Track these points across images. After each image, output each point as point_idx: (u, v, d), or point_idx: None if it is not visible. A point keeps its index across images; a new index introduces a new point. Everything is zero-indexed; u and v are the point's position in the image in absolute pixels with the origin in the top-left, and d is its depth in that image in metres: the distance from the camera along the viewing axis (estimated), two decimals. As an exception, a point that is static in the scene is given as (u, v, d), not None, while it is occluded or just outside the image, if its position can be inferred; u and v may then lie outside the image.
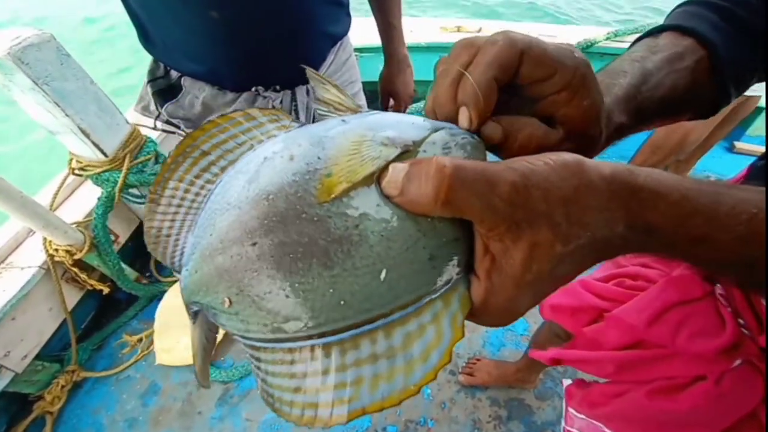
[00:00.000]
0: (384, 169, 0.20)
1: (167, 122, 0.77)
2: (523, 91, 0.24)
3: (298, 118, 0.76)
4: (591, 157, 0.24)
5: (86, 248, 1.23)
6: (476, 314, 0.21)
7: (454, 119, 0.23)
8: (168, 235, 0.25)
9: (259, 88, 0.72)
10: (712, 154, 2.07)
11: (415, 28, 1.99)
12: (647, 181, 0.19)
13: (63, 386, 1.30)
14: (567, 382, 0.66)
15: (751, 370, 0.42)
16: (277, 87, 0.73)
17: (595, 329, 0.59)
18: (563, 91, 0.23)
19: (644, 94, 0.29)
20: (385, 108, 1.08)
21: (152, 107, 0.77)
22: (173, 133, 0.80)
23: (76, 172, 1.26)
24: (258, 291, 0.20)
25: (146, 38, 0.70)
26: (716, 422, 0.44)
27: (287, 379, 0.21)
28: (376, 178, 0.20)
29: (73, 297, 1.36)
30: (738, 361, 0.43)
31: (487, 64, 0.22)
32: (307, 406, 0.20)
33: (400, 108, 1.08)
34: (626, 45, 1.97)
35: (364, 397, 0.19)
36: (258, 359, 0.22)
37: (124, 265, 1.38)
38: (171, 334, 1.33)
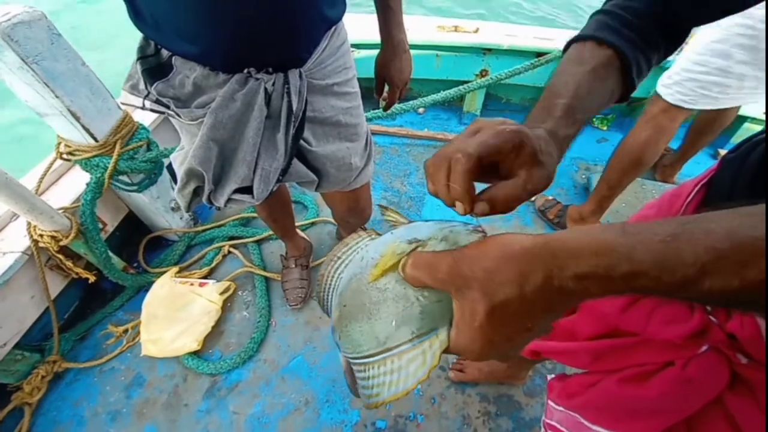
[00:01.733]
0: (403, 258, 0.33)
1: (156, 101, 0.74)
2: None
3: (290, 101, 0.74)
4: (555, 168, 0.34)
5: (73, 235, 1.20)
6: (452, 350, 0.30)
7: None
8: (323, 297, 0.42)
9: (251, 69, 0.70)
10: (697, 160, 2.13)
11: (413, 27, 2.00)
12: (570, 244, 0.24)
13: (43, 377, 1.26)
14: (551, 377, 0.67)
15: (716, 356, 0.43)
16: (270, 69, 0.72)
17: (571, 320, 0.60)
18: (522, 164, 0.33)
19: (580, 105, 0.39)
20: (379, 94, 1.04)
21: (141, 86, 0.74)
22: (162, 113, 0.77)
23: (64, 156, 1.23)
24: (346, 331, 0.35)
25: (136, 13, 0.67)
26: (684, 407, 0.45)
27: (363, 381, 0.35)
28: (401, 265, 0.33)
29: (56, 285, 1.33)
30: (705, 347, 0.44)
31: (461, 173, 0.31)
32: (366, 396, 0.34)
33: (395, 94, 1.03)
34: None
35: (385, 394, 0.31)
36: (360, 370, 0.36)
37: (111, 254, 1.35)
38: (158, 326, 1.30)
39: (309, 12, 0.69)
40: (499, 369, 1.26)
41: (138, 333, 1.35)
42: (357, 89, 0.91)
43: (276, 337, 1.39)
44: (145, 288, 1.45)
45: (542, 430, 0.68)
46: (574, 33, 0.46)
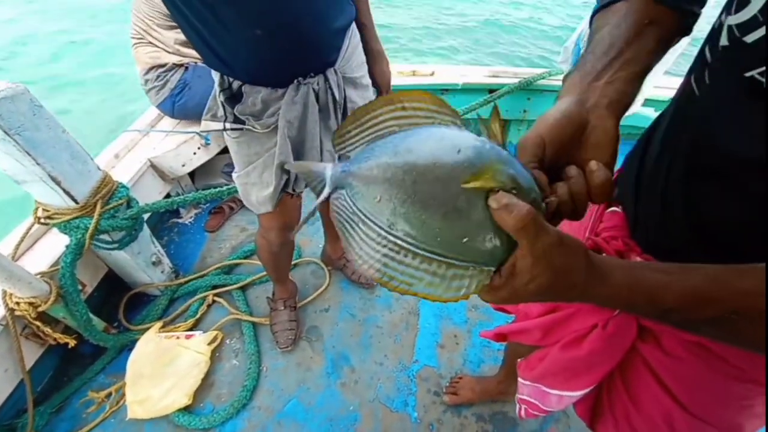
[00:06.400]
0: (499, 189, 0.31)
1: (235, 121, 0.94)
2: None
3: (333, 93, 0.96)
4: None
5: (52, 299, 1.17)
6: (488, 293, 0.33)
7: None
8: (351, 138, 0.37)
9: (299, 78, 0.90)
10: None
11: (375, 73, 2.17)
12: (602, 268, 0.32)
13: (17, 458, 1.18)
14: (520, 360, 0.76)
15: (627, 316, 0.55)
16: (312, 74, 0.91)
17: (526, 304, 0.71)
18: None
19: (616, 68, 0.38)
20: None
21: (220, 113, 0.95)
22: (241, 129, 0.96)
23: (42, 221, 1.23)
24: (397, 203, 0.32)
25: (216, 60, 0.87)
26: (610, 359, 0.57)
27: (381, 255, 0.33)
28: (492, 190, 0.31)
29: (32, 355, 1.27)
30: (617, 310, 0.56)
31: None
32: (402, 281, 0.32)
33: (381, 95, 1.21)
34: (556, 82, 2.21)
35: (418, 289, 0.32)
36: (393, 249, 0.33)
37: (91, 315, 1.32)
38: (145, 384, 1.26)
39: (330, 26, 0.89)
40: (491, 387, 1.30)
41: (122, 396, 1.30)
42: (369, 81, 1.12)
43: (268, 382, 1.38)
44: (128, 347, 1.41)
45: (516, 405, 0.75)
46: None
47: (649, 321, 0.53)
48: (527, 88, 2.13)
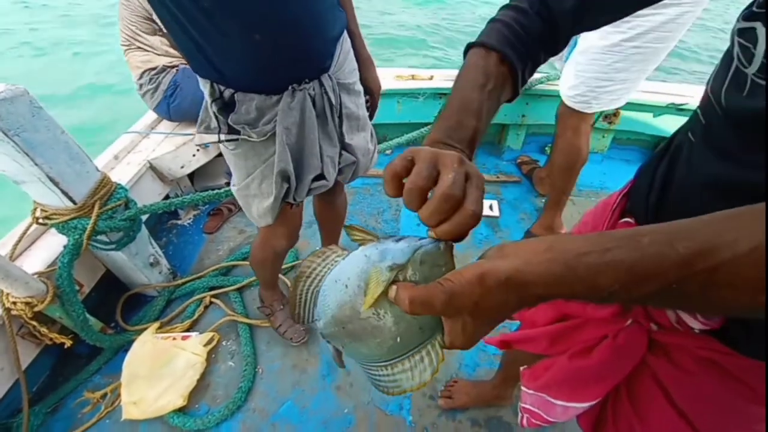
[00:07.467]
0: (390, 286, 0.36)
1: (229, 131, 0.92)
2: None
3: (329, 98, 0.95)
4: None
5: (49, 299, 1.18)
6: (447, 348, 0.38)
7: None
8: (302, 311, 0.47)
9: (294, 85, 0.89)
10: (628, 169, 2.37)
11: (375, 77, 2.18)
12: (531, 277, 0.30)
13: (12, 457, 1.18)
14: (523, 367, 0.75)
15: (638, 328, 0.54)
16: (307, 80, 0.91)
17: (531, 311, 0.69)
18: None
19: (482, 129, 0.46)
20: None
21: (213, 124, 0.92)
22: (236, 139, 0.94)
23: (41, 221, 1.23)
24: (351, 347, 0.42)
25: (209, 69, 0.85)
26: (619, 371, 0.56)
27: (377, 377, 0.43)
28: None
29: (28, 354, 1.28)
30: (629, 321, 0.55)
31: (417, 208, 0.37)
32: (393, 386, 0.41)
33: (375, 101, 1.23)
34: (553, 87, 2.22)
35: (406, 385, 0.40)
36: (365, 367, 0.45)
37: (88, 316, 1.32)
38: (140, 385, 1.26)
39: (326, 33, 0.90)
40: (486, 391, 1.30)
41: (117, 396, 1.30)
42: (360, 88, 1.11)
43: (264, 384, 1.38)
44: (125, 348, 1.42)
45: (519, 414, 0.74)
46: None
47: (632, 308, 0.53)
48: (525, 93, 2.14)
